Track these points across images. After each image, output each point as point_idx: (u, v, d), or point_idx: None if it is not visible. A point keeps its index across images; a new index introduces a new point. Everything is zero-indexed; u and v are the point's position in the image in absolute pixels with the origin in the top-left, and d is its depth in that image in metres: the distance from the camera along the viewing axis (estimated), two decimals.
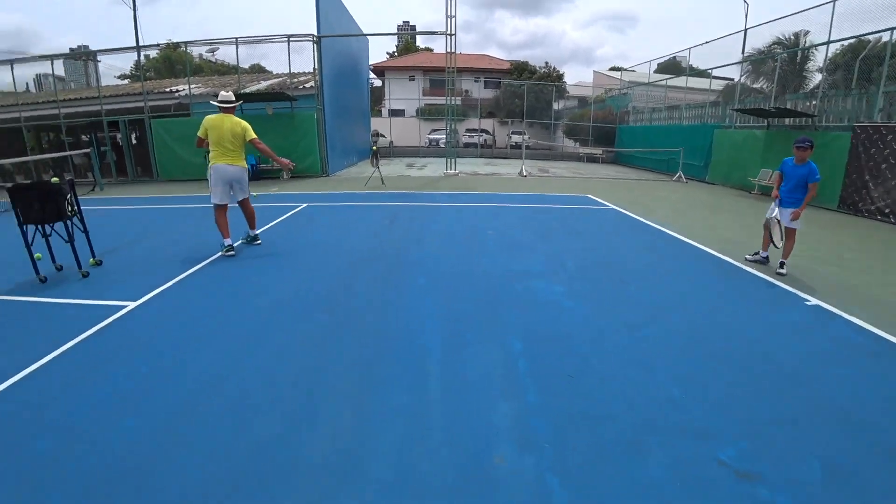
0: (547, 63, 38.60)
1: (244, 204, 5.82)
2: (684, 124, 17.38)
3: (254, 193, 5.94)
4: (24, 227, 4.67)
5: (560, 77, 34.19)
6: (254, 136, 5.60)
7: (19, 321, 3.93)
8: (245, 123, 5.57)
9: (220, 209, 5.57)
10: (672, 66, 22.15)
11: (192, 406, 2.65)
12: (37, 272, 4.80)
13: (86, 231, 5.17)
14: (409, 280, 4.66)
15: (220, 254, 5.59)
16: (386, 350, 3.26)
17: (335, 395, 2.72)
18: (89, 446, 2.32)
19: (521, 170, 14.97)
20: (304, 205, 9.09)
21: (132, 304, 4.15)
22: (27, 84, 19.69)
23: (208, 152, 5.53)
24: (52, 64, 17.71)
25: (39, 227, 4.72)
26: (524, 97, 25.30)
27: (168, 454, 2.25)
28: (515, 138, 25.09)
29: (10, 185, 4.68)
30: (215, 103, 5.64)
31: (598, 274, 4.86)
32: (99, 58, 16.92)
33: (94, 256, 5.33)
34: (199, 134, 5.44)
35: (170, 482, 2.06)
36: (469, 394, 2.70)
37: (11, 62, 15.93)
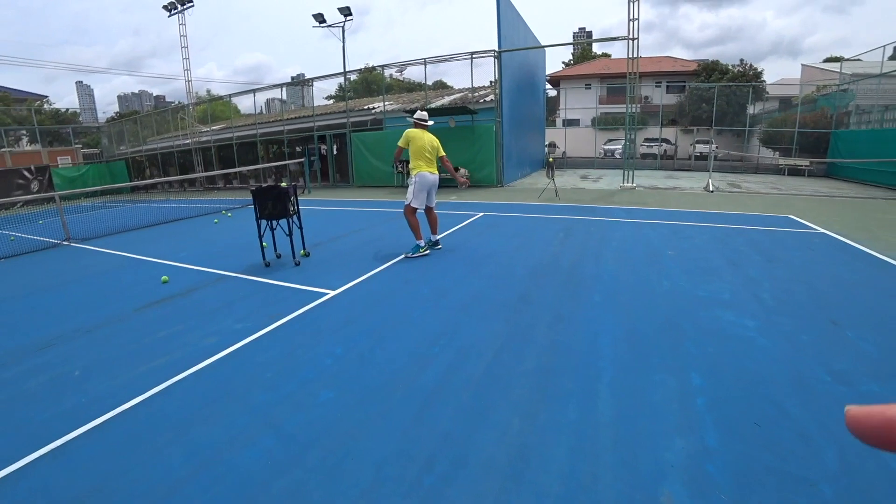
0: (742, 60, 33.47)
1: (430, 210, 6.25)
2: None
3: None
4: (259, 220, 5.69)
5: (758, 76, 29.47)
6: (443, 153, 6.18)
7: (251, 296, 4.84)
8: (438, 140, 6.14)
9: (414, 212, 6.02)
10: None
11: (378, 389, 2.90)
12: (263, 257, 5.84)
13: (301, 228, 6.08)
14: (583, 295, 4.45)
15: (409, 254, 6.01)
16: (558, 364, 3.15)
17: (506, 400, 2.73)
18: (294, 406, 2.77)
19: (708, 184, 13.29)
20: (481, 214, 9.37)
21: (332, 293, 4.74)
22: (261, 107, 24.25)
23: (400, 162, 6.10)
24: (281, 91, 21.52)
25: (269, 221, 5.71)
26: (713, 101, 22.56)
27: (357, 427, 2.52)
28: (700, 148, 22.54)
29: (254, 187, 5.75)
30: (411, 119, 6.25)
31: (802, 310, 3.97)
32: (313, 83, 20.04)
33: (304, 248, 6.25)
34: (399, 143, 5.98)
35: (357, 450, 2.32)
36: (640, 422, 2.48)
37: (254, 91, 19.93)
